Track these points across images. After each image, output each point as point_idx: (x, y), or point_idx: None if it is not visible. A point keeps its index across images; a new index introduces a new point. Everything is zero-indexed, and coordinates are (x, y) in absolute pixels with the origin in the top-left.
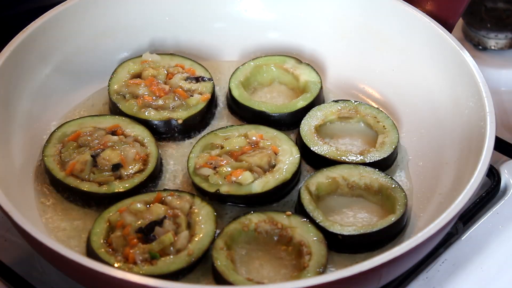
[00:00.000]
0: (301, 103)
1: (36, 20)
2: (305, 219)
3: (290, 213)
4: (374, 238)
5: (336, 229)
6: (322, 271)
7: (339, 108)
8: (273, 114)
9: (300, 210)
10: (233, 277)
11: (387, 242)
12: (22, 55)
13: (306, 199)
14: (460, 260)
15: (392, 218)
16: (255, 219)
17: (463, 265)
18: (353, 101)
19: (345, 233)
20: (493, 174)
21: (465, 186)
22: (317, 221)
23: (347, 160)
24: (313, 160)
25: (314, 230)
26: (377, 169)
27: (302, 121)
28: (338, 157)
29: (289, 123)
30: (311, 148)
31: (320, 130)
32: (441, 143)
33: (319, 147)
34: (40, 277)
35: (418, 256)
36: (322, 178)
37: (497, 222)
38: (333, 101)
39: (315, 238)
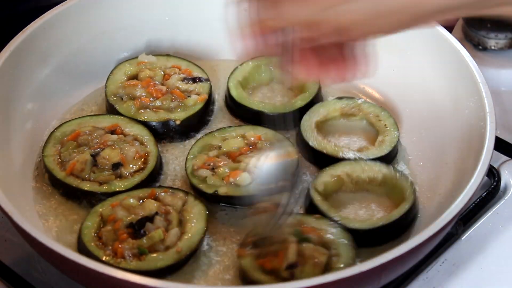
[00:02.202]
0: (299, 103)
1: (36, 20)
2: (333, 222)
3: (319, 215)
4: (393, 228)
5: (356, 225)
6: None
7: (343, 105)
8: (271, 114)
9: (312, 212)
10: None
11: (404, 231)
12: (22, 55)
13: (318, 200)
14: (460, 260)
15: (406, 206)
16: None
17: (463, 265)
18: (357, 99)
19: (366, 227)
20: (493, 174)
21: (465, 186)
22: (337, 221)
23: (344, 156)
24: (311, 156)
25: (342, 233)
26: (378, 161)
27: (304, 117)
28: (336, 154)
29: (287, 122)
30: (310, 143)
31: (321, 126)
32: (441, 143)
33: (318, 143)
34: (40, 277)
35: (418, 256)
36: (327, 177)
37: (497, 222)
38: (337, 98)
39: (342, 240)
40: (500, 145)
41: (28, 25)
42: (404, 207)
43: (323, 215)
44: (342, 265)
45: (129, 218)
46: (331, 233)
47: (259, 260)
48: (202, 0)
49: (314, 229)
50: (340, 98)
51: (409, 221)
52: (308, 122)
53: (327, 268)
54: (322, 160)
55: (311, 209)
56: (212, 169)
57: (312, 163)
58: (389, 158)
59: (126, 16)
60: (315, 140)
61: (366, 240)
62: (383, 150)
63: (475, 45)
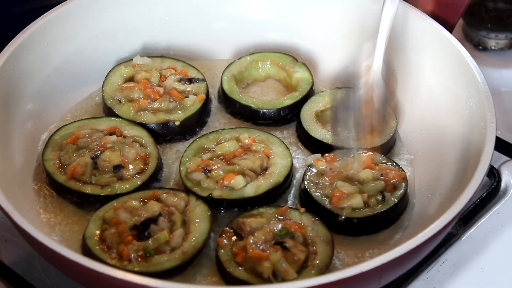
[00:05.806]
0: (287, 101)
1: (36, 20)
2: (316, 218)
3: (304, 209)
4: (390, 215)
5: (358, 215)
6: (325, 271)
7: (343, 95)
8: (259, 110)
9: (311, 207)
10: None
11: (401, 215)
12: (23, 55)
13: (318, 196)
14: (461, 260)
15: (399, 192)
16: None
17: (464, 265)
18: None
19: (360, 216)
20: (493, 174)
21: (466, 186)
22: (342, 216)
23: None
24: (310, 143)
25: (323, 230)
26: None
27: (304, 106)
28: (330, 142)
29: (275, 119)
30: (308, 132)
31: (322, 116)
32: (442, 143)
33: (316, 131)
34: (40, 277)
35: (419, 256)
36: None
37: (497, 222)
38: (337, 88)
39: (322, 238)
40: (501, 145)
41: (29, 25)
42: (397, 194)
43: (326, 210)
44: (317, 262)
45: (132, 220)
46: (313, 230)
47: (235, 253)
48: (202, 0)
49: (301, 226)
50: (339, 88)
51: (404, 206)
52: (309, 111)
53: (303, 265)
54: (319, 148)
55: (309, 203)
56: (206, 172)
57: (311, 150)
58: (384, 150)
59: (126, 16)
60: (313, 129)
61: (366, 228)
62: (378, 141)
63: (476, 45)
